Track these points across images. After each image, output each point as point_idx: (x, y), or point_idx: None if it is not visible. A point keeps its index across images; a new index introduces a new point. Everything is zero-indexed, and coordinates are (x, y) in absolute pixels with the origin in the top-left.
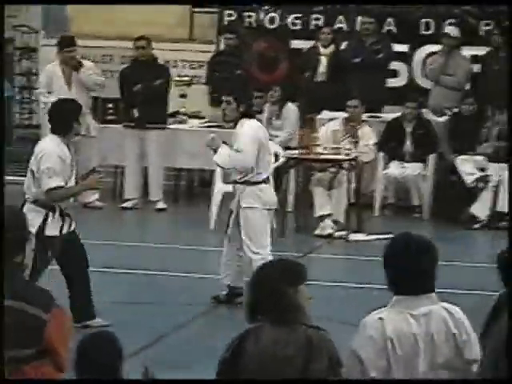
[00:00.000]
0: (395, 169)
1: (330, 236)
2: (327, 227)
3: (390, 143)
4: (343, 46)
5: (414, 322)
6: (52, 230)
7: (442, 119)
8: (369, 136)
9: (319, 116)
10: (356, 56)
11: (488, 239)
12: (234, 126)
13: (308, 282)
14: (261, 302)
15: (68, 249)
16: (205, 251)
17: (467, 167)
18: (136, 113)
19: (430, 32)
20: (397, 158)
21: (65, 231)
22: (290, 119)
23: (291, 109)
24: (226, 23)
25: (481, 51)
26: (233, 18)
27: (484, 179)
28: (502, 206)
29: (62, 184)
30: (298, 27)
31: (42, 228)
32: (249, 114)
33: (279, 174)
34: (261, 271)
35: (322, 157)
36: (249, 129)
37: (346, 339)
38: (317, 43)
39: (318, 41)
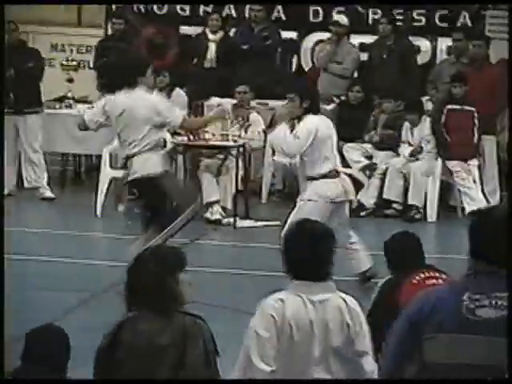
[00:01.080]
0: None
1: (218, 222)
2: (215, 213)
3: None
4: (232, 32)
5: (311, 307)
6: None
7: (330, 107)
8: (257, 122)
9: (208, 102)
10: (244, 42)
11: (374, 227)
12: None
13: (196, 269)
14: (138, 290)
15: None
16: (90, 237)
17: (354, 155)
18: (11, 97)
19: (318, 20)
20: None
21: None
22: (178, 105)
23: (180, 94)
24: (114, 8)
25: (369, 39)
26: (121, 3)
27: (371, 167)
28: (388, 193)
29: None
30: (187, 13)
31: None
32: (313, 110)
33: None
34: (138, 259)
35: (210, 143)
36: (310, 122)
37: (233, 324)
38: (205, 29)
39: (206, 27)
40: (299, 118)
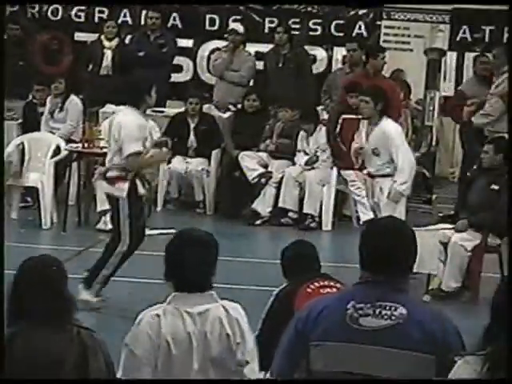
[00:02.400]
0: (178, 164)
1: (111, 230)
2: (109, 222)
3: (174, 138)
4: (128, 39)
5: (189, 320)
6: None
7: (226, 115)
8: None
9: (103, 109)
10: (140, 50)
11: (270, 235)
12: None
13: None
14: (29, 301)
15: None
16: None
17: (250, 163)
18: None
19: (214, 28)
20: (180, 153)
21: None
22: (72, 112)
23: (74, 102)
24: (8, 13)
25: (265, 48)
26: (15, 9)
27: (266, 175)
28: (284, 202)
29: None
30: (82, 19)
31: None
32: (387, 113)
33: (61, 168)
34: (23, 269)
35: (105, 150)
36: (397, 130)
37: (123, 332)
38: (101, 36)
39: (102, 34)
40: (372, 120)
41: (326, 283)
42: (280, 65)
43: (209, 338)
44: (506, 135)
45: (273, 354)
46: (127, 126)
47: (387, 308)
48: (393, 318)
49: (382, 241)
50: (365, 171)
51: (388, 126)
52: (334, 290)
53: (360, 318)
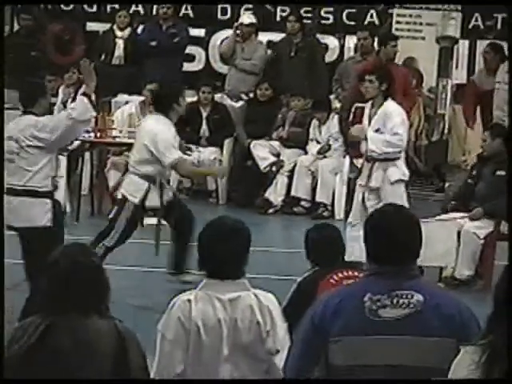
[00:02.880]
0: (192, 153)
1: None
2: None
3: (187, 127)
4: (140, 29)
5: (220, 306)
6: (153, 202)
7: (239, 104)
8: None
9: (115, 99)
10: (152, 39)
11: (282, 224)
12: (373, 105)
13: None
14: (68, 290)
15: (173, 212)
16: None
17: (261, 152)
18: None
19: (226, 17)
20: (192, 142)
21: (165, 201)
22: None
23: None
24: (20, 5)
25: (277, 37)
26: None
27: (278, 164)
28: (296, 191)
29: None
30: (94, 9)
31: (142, 200)
32: (390, 94)
33: (74, 157)
34: (60, 257)
35: (118, 140)
36: (399, 110)
37: (141, 322)
38: (113, 26)
39: (114, 23)
40: (375, 101)
41: (350, 273)
42: (292, 54)
43: (239, 325)
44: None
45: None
46: (163, 135)
47: (404, 296)
48: (411, 305)
49: (389, 229)
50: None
51: (391, 107)
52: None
53: (379, 309)
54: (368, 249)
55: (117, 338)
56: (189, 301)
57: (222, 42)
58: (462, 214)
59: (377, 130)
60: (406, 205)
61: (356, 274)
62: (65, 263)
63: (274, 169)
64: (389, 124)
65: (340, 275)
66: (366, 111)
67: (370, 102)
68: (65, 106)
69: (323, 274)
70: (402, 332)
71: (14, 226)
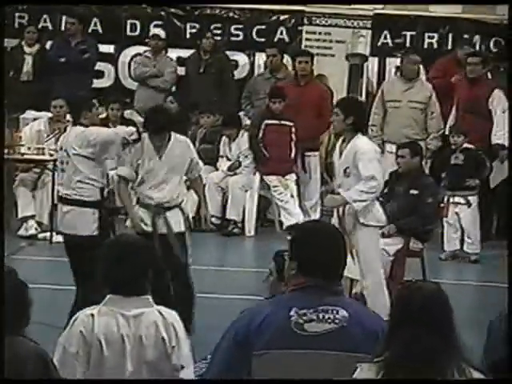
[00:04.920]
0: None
1: (33, 237)
2: (30, 228)
3: None
4: (48, 45)
5: (123, 322)
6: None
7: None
8: None
9: (23, 115)
10: (61, 56)
11: (192, 241)
12: (337, 139)
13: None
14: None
15: None
16: None
17: None
18: None
19: (136, 33)
20: None
21: None
22: None
23: None
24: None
25: (187, 53)
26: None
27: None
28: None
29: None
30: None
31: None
32: (360, 129)
33: None
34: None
35: (26, 157)
36: (371, 148)
37: (51, 341)
38: (21, 42)
39: (22, 39)
40: (341, 135)
41: None
42: (201, 70)
43: (144, 341)
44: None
45: None
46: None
47: (329, 312)
48: (336, 321)
49: (316, 245)
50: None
51: (360, 143)
52: None
53: (305, 323)
54: (295, 262)
55: (40, 361)
56: (92, 315)
57: (131, 58)
58: None
59: (345, 170)
60: (378, 253)
61: None
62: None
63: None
64: (360, 164)
65: None
66: (337, 147)
67: (341, 138)
68: None
69: None
70: (327, 347)
71: (63, 232)
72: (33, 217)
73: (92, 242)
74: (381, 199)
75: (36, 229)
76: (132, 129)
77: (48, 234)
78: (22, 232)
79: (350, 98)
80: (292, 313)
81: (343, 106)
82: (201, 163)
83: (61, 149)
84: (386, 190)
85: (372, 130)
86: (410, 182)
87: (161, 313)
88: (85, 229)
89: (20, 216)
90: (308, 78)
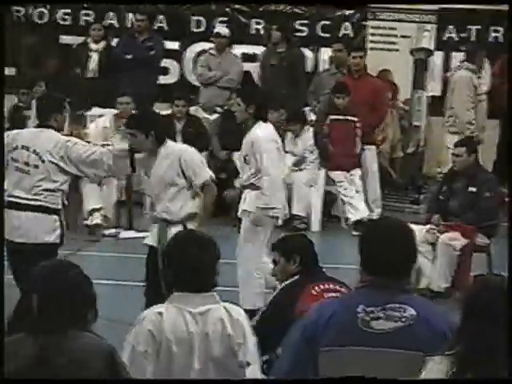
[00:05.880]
0: None
1: (98, 226)
2: (96, 218)
3: None
4: (114, 42)
5: (190, 319)
6: None
7: (213, 117)
8: None
9: (89, 112)
10: (127, 52)
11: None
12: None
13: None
14: (57, 308)
15: None
16: None
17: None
18: None
19: (201, 30)
20: None
21: None
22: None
23: None
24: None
25: (251, 50)
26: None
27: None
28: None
29: None
30: (68, 22)
31: None
32: (261, 117)
33: None
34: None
35: None
36: (267, 136)
37: (117, 337)
38: (87, 39)
39: (88, 36)
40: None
41: (331, 286)
42: (274, 63)
43: (210, 338)
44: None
45: (269, 342)
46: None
47: (397, 310)
48: (403, 319)
49: (385, 243)
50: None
51: (256, 130)
52: (338, 294)
53: (372, 321)
54: (363, 260)
55: (108, 356)
56: (160, 313)
57: (197, 55)
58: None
59: (245, 156)
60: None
61: (337, 287)
62: (58, 281)
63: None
64: (255, 151)
65: (322, 287)
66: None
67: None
68: None
69: (306, 282)
70: (393, 345)
71: (15, 241)
72: (99, 209)
73: (53, 249)
74: (441, 197)
75: (101, 220)
76: (124, 147)
77: (114, 230)
78: (88, 222)
79: (250, 86)
80: (359, 310)
81: (244, 96)
82: (205, 172)
83: (27, 149)
84: (444, 188)
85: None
86: (468, 179)
87: (227, 309)
88: (48, 236)
89: (88, 209)
90: (361, 73)
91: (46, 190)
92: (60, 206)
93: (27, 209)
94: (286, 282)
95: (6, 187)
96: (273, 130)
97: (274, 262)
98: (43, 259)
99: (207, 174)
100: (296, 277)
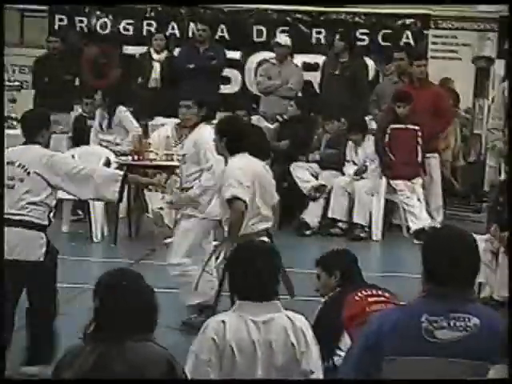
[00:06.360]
0: None
1: (161, 217)
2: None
3: None
4: (176, 52)
5: (254, 328)
6: None
7: (274, 126)
8: None
9: (152, 122)
10: (189, 62)
11: (319, 246)
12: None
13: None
14: (118, 316)
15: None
16: None
17: (302, 174)
18: None
19: (262, 39)
20: None
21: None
22: (125, 120)
23: (123, 110)
24: (56, 28)
25: (312, 59)
26: (64, 23)
27: (321, 189)
28: (333, 212)
29: None
30: (131, 32)
31: None
32: (208, 119)
33: None
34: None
35: (155, 163)
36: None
37: (179, 345)
38: (150, 49)
39: (150, 46)
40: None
41: (374, 292)
42: (337, 72)
43: (274, 346)
44: None
45: (322, 353)
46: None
47: (461, 319)
48: (468, 328)
49: (449, 252)
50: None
51: (200, 130)
52: (382, 298)
53: (435, 330)
54: (427, 269)
55: (166, 365)
56: (223, 322)
57: (258, 64)
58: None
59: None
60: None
61: (380, 292)
62: (122, 289)
63: (317, 194)
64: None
65: (364, 293)
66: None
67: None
68: (101, 128)
69: (347, 292)
70: (457, 354)
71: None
72: (161, 209)
73: (38, 267)
74: (499, 207)
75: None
76: (117, 172)
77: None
78: (150, 215)
79: (309, 96)
80: (423, 319)
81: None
82: (232, 188)
83: (12, 164)
84: (501, 199)
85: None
86: None
87: (289, 318)
88: (32, 254)
89: (153, 208)
90: (424, 81)
91: (31, 203)
92: (46, 222)
93: (11, 224)
94: (329, 295)
95: None
96: None
97: (318, 276)
98: (27, 277)
99: (233, 192)
100: (338, 289)
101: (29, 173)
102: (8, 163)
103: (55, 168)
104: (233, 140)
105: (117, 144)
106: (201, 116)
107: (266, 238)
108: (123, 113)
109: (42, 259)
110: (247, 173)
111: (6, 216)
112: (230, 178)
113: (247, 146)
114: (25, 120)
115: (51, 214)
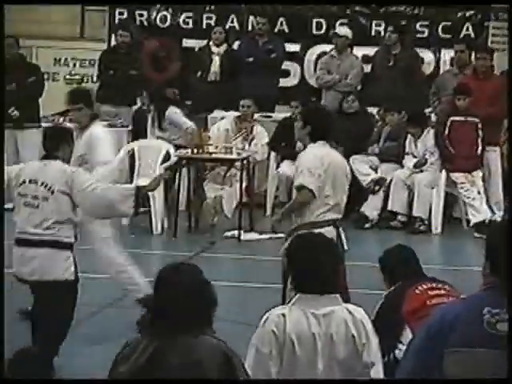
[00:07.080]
0: (287, 168)
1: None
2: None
3: (282, 143)
4: (236, 45)
5: (314, 321)
6: None
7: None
8: (261, 135)
9: (211, 115)
10: (249, 55)
11: (379, 239)
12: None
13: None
14: (176, 310)
15: None
16: None
17: (361, 167)
18: (14, 112)
19: (321, 32)
20: (288, 157)
21: None
22: (173, 124)
23: (174, 111)
24: (117, 21)
25: (372, 51)
26: (124, 17)
27: (381, 182)
28: (393, 205)
29: None
30: (190, 26)
31: None
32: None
33: (171, 173)
34: (172, 277)
35: (214, 156)
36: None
37: (241, 339)
38: (209, 42)
39: (210, 40)
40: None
41: (434, 285)
42: (390, 64)
43: (334, 339)
44: None
45: (383, 347)
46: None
47: None
48: None
49: (510, 245)
50: None
51: (93, 130)
52: (443, 291)
53: (497, 323)
54: (489, 262)
55: (223, 358)
56: (283, 315)
57: (318, 57)
58: None
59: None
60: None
61: (440, 285)
62: (179, 283)
63: (377, 187)
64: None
65: (424, 286)
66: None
67: None
68: (154, 127)
69: (407, 286)
70: None
71: (28, 280)
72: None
73: (68, 287)
74: None
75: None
76: (131, 186)
77: (236, 231)
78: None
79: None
80: (485, 311)
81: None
82: (300, 178)
83: (35, 182)
84: None
85: None
86: None
87: (349, 310)
88: (61, 273)
89: (211, 195)
90: (487, 73)
91: (57, 222)
92: (73, 240)
93: (38, 245)
94: (390, 290)
95: (16, 224)
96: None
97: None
98: (58, 297)
99: (302, 180)
100: (399, 283)
101: (53, 191)
102: (30, 181)
103: (75, 185)
104: (316, 128)
105: (172, 139)
106: (88, 116)
107: (332, 229)
108: (174, 114)
109: (72, 278)
110: (323, 161)
111: (32, 237)
112: (302, 166)
113: (329, 135)
114: (46, 135)
115: (77, 230)
